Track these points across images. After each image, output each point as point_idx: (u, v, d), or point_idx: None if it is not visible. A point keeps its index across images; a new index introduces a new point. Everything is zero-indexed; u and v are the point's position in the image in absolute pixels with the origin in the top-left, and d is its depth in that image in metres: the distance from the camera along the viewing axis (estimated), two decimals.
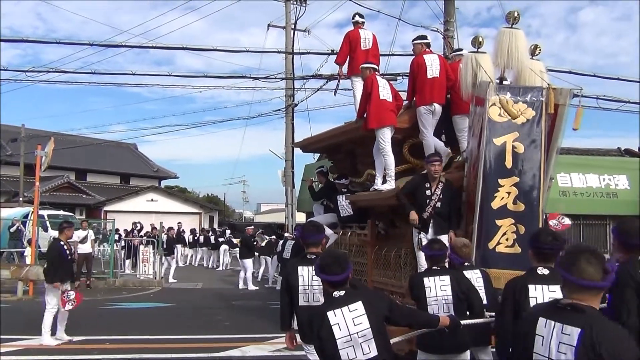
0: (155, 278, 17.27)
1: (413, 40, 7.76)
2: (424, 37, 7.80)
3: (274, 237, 18.93)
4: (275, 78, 19.16)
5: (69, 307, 8.41)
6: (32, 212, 16.40)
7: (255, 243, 17.75)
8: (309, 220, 8.38)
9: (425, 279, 4.69)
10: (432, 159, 6.49)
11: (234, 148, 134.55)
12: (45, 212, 22.90)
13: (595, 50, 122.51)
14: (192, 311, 12.29)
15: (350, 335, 3.35)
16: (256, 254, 17.88)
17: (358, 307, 3.40)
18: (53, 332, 8.58)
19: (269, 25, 22.33)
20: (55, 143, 16.57)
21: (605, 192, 17.37)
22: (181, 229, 24.64)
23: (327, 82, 18.40)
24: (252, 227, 19.46)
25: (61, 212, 26.41)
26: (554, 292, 3.66)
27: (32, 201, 17.21)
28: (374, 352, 3.34)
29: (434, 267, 4.78)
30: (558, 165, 15.72)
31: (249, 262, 16.89)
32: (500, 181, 6.08)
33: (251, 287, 16.52)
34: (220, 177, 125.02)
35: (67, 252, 8.78)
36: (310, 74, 19.17)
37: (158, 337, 9.18)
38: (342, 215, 8.34)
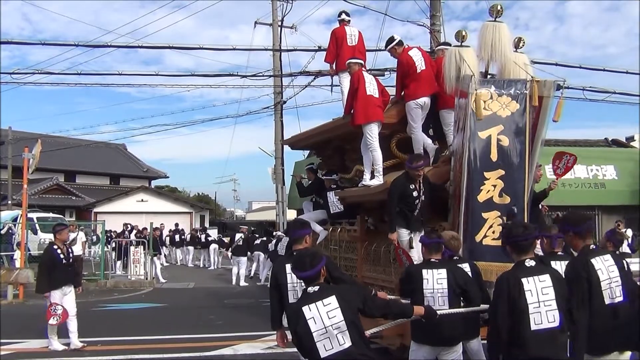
0: (147, 279, 17.31)
1: (389, 47, 7.70)
2: (393, 39, 7.72)
3: (264, 237, 19.14)
4: (263, 75, 19.12)
5: (52, 321, 8.13)
6: (21, 215, 16.32)
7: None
8: (294, 218, 8.42)
9: (424, 271, 4.77)
10: (416, 165, 6.28)
11: (224, 146, 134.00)
12: (34, 215, 22.79)
13: (583, 42, 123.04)
14: (184, 311, 12.36)
15: (325, 327, 3.52)
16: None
17: (332, 301, 3.58)
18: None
19: (255, 22, 22.41)
20: (44, 145, 16.50)
21: (594, 182, 17.54)
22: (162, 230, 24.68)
23: (315, 78, 18.44)
24: (246, 227, 20.39)
25: (50, 215, 26.30)
26: (544, 281, 3.73)
27: (21, 204, 17.07)
28: (348, 343, 3.52)
29: (432, 260, 4.86)
30: (546, 157, 15.88)
31: (243, 260, 17.63)
32: (486, 174, 6.16)
33: (242, 283, 17.20)
34: (211, 176, 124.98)
35: (61, 256, 8.29)
36: (298, 70, 19.16)
37: (150, 337, 9.21)
38: (332, 211, 8.39)
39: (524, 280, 3.74)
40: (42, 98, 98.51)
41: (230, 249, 19.91)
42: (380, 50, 15.03)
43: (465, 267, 5.17)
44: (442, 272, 4.73)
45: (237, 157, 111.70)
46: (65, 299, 8.30)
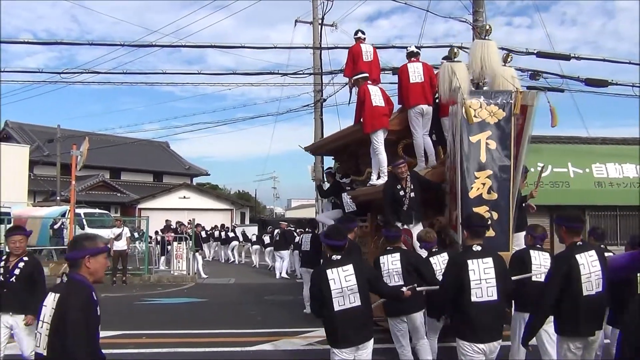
0: (189, 274, 18.57)
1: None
2: (407, 49, 9.22)
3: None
4: (304, 74, 19.88)
5: None
6: (69, 210, 17.65)
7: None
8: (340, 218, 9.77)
9: (381, 257, 6.36)
10: (396, 164, 7.88)
11: (265, 144, 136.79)
12: (81, 211, 24.66)
13: (631, 36, 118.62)
14: (225, 306, 13.21)
15: (342, 288, 4.82)
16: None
17: (349, 268, 4.88)
18: None
19: (296, 21, 23.40)
20: (90, 143, 17.64)
21: None
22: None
23: (355, 76, 19.36)
24: (285, 222, 22.35)
25: (97, 210, 28.40)
26: (487, 263, 4.86)
27: (69, 200, 18.41)
28: (357, 302, 4.83)
29: (389, 248, 6.38)
30: (594, 156, 16.25)
31: (285, 254, 19.43)
32: (476, 174, 7.40)
33: (284, 275, 19.12)
34: (251, 174, 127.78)
35: (1, 271, 6.24)
36: (339, 68, 20.09)
37: (192, 331, 9.99)
38: (347, 211, 9.81)
39: (469, 261, 4.86)
40: (89, 97, 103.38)
41: (263, 243, 22.38)
42: (422, 47, 16.05)
43: (443, 257, 6.48)
44: (396, 256, 6.24)
45: (277, 154, 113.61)
46: (16, 332, 6.24)
